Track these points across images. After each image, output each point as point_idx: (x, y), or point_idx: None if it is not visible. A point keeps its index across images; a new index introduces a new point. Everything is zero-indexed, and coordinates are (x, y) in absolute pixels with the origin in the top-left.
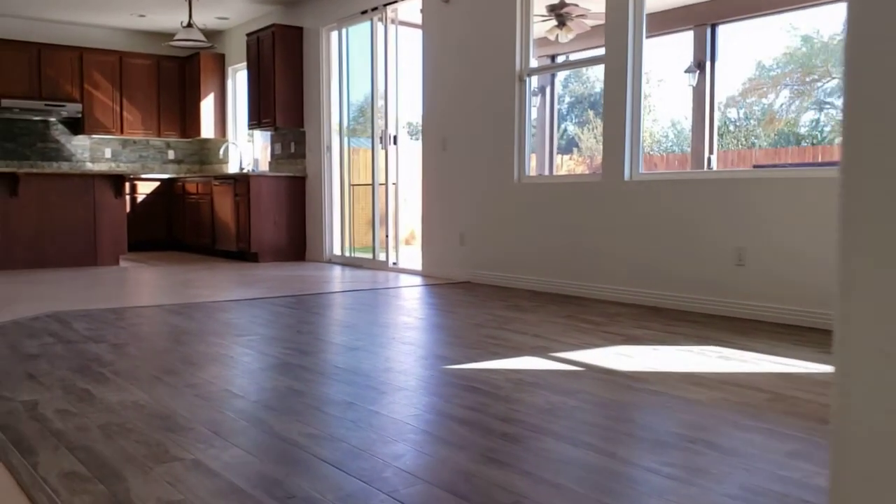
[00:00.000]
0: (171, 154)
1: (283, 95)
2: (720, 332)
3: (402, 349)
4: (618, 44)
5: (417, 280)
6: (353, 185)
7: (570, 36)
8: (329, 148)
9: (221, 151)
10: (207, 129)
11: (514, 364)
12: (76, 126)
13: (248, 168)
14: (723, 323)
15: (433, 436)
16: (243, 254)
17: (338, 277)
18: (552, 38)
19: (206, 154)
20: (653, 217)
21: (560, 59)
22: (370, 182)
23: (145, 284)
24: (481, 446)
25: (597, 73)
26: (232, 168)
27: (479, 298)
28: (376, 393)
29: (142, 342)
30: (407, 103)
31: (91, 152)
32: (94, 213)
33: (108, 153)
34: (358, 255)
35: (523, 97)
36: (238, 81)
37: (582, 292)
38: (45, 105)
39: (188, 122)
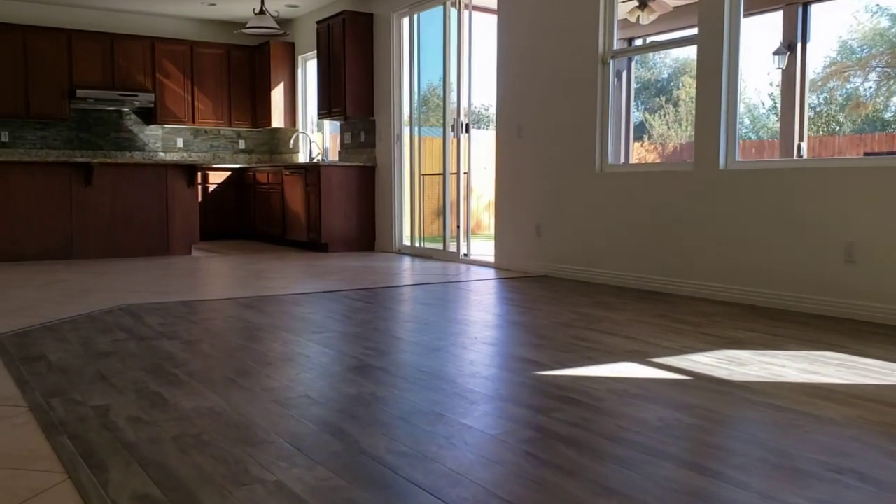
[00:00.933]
0: (241, 144)
1: (353, 84)
2: (832, 335)
3: (485, 350)
4: (713, 23)
5: (490, 273)
6: (423, 174)
7: (652, 17)
8: (399, 137)
9: (291, 141)
10: (277, 119)
11: (611, 371)
12: (148, 116)
13: (317, 158)
14: (833, 325)
15: (538, 459)
16: (313, 244)
17: (408, 269)
18: (632, 19)
19: (276, 144)
20: (750, 208)
21: (637, 43)
22: (440, 171)
23: (217, 275)
24: (594, 473)
25: (665, 58)
26: (302, 158)
27: (559, 294)
28: (466, 402)
29: (215, 339)
30: (479, 91)
31: (163, 142)
32: (167, 202)
33: (179, 143)
34: (427, 245)
35: (606, 81)
36: (308, 70)
37: (670, 289)
38: (119, 95)
39: (258, 111)
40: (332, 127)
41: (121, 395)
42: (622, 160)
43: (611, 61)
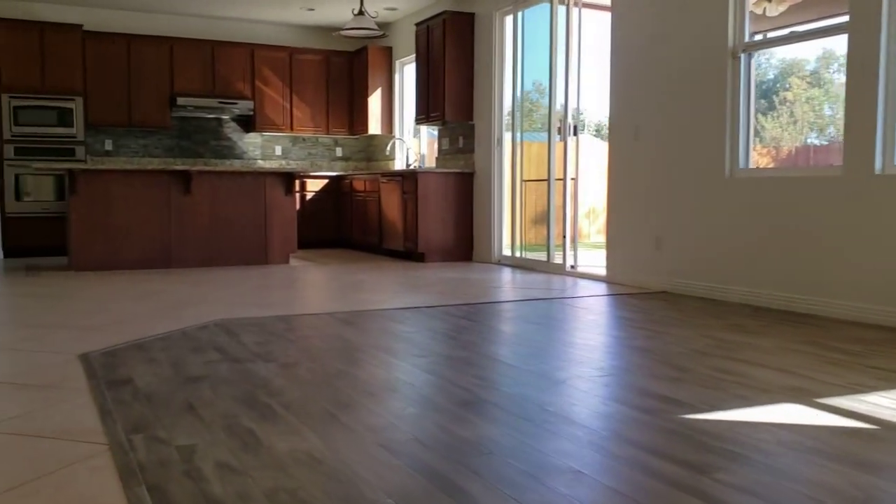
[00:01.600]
0: (338, 151)
1: (453, 87)
2: None
3: (614, 384)
4: (868, 8)
5: (601, 287)
6: (525, 180)
7: (781, 8)
8: (499, 141)
9: (388, 148)
10: (374, 126)
11: (772, 414)
12: (247, 123)
13: (414, 164)
14: None
15: None
16: (410, 253)
17: (511, 282)
18: (758, 11)
19: (372, 151)
20: None
21: (758, 38)
22: (544, 177)
23: (314, 287)
24: None
25: (771, 59)
26: (398, 165)
27: (686, 314)
28: (607, 457)
29: (313, 362)
30: (588, 92)
31: (262, 150)
32: (265, 210)
33: (278, 150)
34: (529, 256)
35: (737, 77)
36: (405, 75)
37: (815, 309)
38: (219, 103)
39: (356, 118)
40: (428, 133)
41: (209, 432)
42: (741, 164)
43: (741, 55)
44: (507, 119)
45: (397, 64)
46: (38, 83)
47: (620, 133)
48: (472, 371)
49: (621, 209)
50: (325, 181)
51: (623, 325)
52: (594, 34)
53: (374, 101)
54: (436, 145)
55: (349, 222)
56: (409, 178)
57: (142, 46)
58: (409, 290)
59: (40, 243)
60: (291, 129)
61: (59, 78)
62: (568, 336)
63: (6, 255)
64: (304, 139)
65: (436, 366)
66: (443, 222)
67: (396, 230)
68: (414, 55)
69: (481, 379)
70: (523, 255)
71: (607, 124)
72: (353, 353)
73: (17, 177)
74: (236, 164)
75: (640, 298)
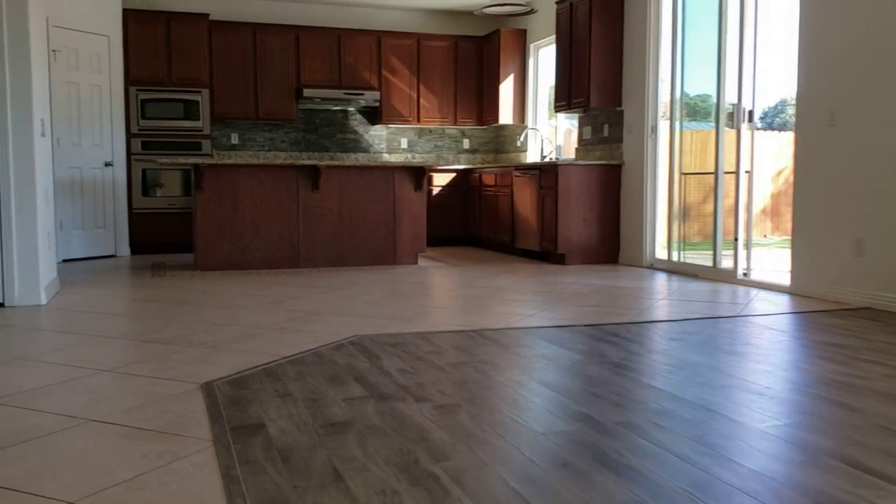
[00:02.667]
0: (465, 143)
1: (600, 70)
2: None
3: (871, 454)
4: None
5: (787, 301)
6: (685, 173)
7: None
8: (654, 129)
9: (520, 138)
10: (506, 115)
11: None
12: (373, 115)
13: (549, 156)
14: None
15: None
16: (547, 254)
17: (676, 292)
18: None
19: (501, 142)
20: None
21: None
22: (709, 170)
23: (450, 294)
24: None
25: None
26: (530, 157)
27: None
28: None
29: (473, 404)
30: (763, 73)
31: (387, 142)
32: (394, 207)
33: (403, 143)
34: (689, 260)
35: None
36: (539, 60)
37: None
38: (345, 94)
39: (485, 107)
40: (566, 121)
41: None
42: None
43: None
44: (664, 104)
45: (531, 48)
46: (165, 75)
47: (811, 119)
48: (702, 440)
49: (811, 207)
50: (452, 175)
51: (842, 356)
52: (771, 6)
53: (506, 89)
54: (574, 135)
55: (477, 219)
56: (548, 172)
57: (267, 36)
58: (556, 301)
59: (166, 239)
60: (418, 120)
61: (185, 70)
62: (795, 375)
63: (133, 252)
64: (430, 131)
65: (633, 416)
66: (585, 220)
67: (532, 228)
68: (552, 37)
69: (717, 452)
70: (682, 259)
71: (783, 111)
72: (520, 392)
73: (143, 172)
74: (361, 159)
75: (840, 317)
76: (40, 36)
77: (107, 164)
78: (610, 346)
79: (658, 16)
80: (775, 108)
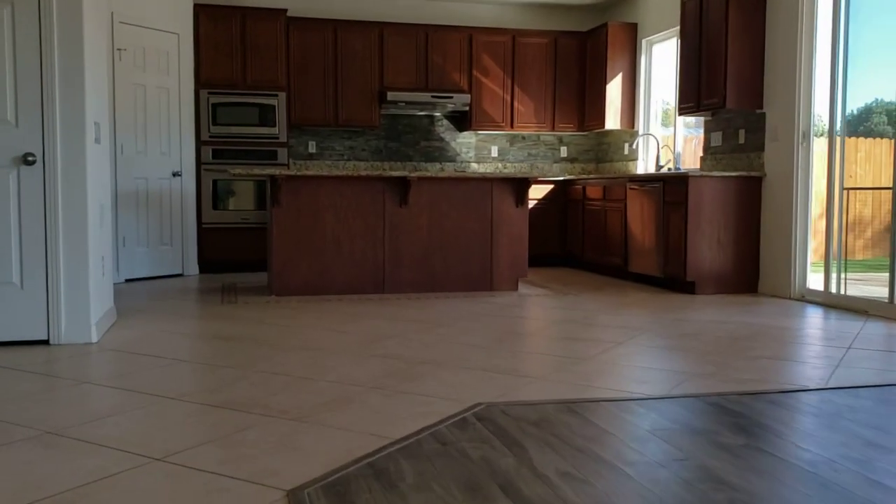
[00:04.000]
0: (563, 151)
1: (738, 67)
2: None
3: None
4: None
5: None
6: (848, 188)
7: None
8: (806, 136)
9: (629, 145)
10: (613, 119)
11: None
12: (461, 121)
13: (667, 166)
14: None
15: None
16: (671, 281)
17: (855, 335)
18: None
19: (603, 150)
20: None
21: None
22: (884, 185)
23: (571, 334)
24: None
25: None
26: (640, 166)
27: None
28: None
29: None
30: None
31: (476, 151)
32: (492, 225)
33: (493, 151)
34: (852, 292)
35: None
36: (653, 57)
37: None
38: (432, 97)
39: (588, 111)
40: (687, 127)
41: None
42: None
43: None
44: (823, 106)
45: (643, 43)
46: (239, 77)
47: None
48: None
49: None
50: (549, 187)
51: None
52: None
53: (614, 90)
54: (696, 142)
55: (579, 237)
56: (674, 184)
57: (349, 33)
58: (720, 349)
59: (238, 257)
60: (511, 126)
61: (261, 71)
62: None
63: (202, 270)
64: (523, 137)
65: None
66: (720, 242)
67: (651, 251)
68: (669, 31)
69: None
70: (843, 292)
71: None
72: None
73: (214, 183)
74: (448, 169)
75: None
76: (99, 31)
77: (175, 175)
78: (814, 419)
79: (813, 5)
80: None
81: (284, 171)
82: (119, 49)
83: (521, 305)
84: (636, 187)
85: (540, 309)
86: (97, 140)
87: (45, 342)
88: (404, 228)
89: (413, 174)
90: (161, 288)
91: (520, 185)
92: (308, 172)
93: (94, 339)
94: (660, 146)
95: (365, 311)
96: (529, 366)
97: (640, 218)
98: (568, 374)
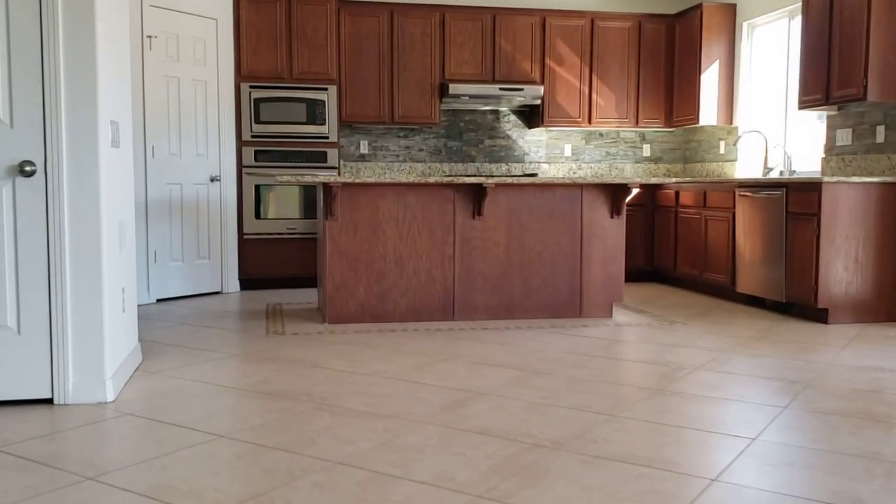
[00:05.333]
0: (645, 150)
1: (882, 53)
2: None
3: None
4: None
5: None
6: None
7: None
8: None
9: (726, 143)
10: (708, 114)
11: None
12: (530, 116)
13: (776, 169)
14: None
15: None
16: (795, 306)
17: None
18: None
19: (692, 148)
20: None
21: None
22: None
23: (705, 389)
24: None
25: None
26: (742, 168)
27: None
28: None
29: None
30: None
31: (547, 150)
32: (582, 239)
33: (567, 150)
34: None
35: None
36: (755, 42)
37: None
38: (500, 90)
39: (677, 104)
40: (804, 124)
41: None
42: None
43: None
44: None
45: (744, 27)
46: (285, 69)
47: None
48: None
49: None
50: (635, 192)
51: None
52: None
53: (709, 81)
54: (816, 141)
55: (670, 249)
56: (801, 192)
57: (407, 18)
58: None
59: (283, 271)
60: (589, 121)
61: (309, 62)
62: None
63: (243, 287)
64: (600, 134)
65: None
66: (857, 262)
67: (768, 269)
68: (778, 11)
69: None
70: None
71: None
72: None
73: (257, 189)
74: (515, 171)
75: None
76: (120, 13)
77: (213, 180)
78: None
79: None
80: None
81: (339, 178)
82: (149, 36)
83: (625, 340)
84: (748, 193)
85: (651, 346)
86: (115, 143)
87: (49, 401)
88: (478, 244)
89: (490, 181)
90: (197, 311)
91: (616, 192)
92: (367, 179)
93: (110, 397)
94: (768, 145)
95: (437, 348)
96: (695, 456)
97: (753, 230)
98: (748, 469)
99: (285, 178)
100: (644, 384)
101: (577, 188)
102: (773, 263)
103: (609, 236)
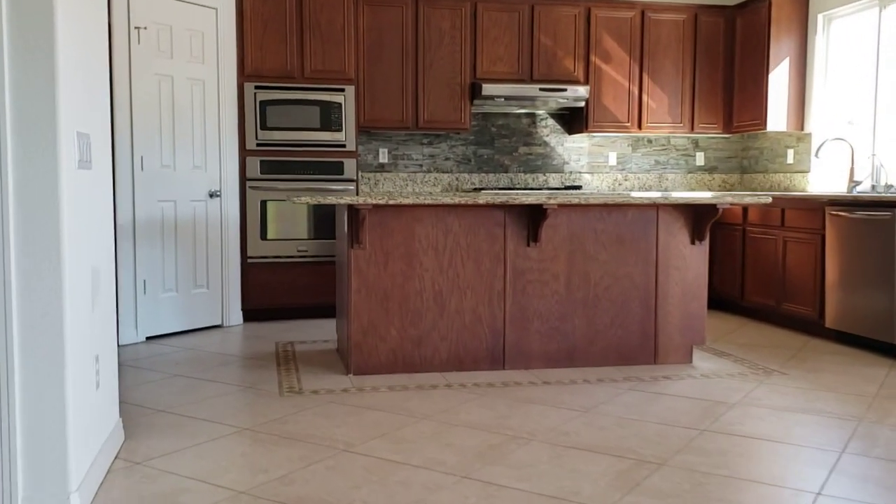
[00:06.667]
0: (698, 158)
1: None
2: None
3: None
4: None
5: None
6: None
7: None
8: None
9: (794, 153)
10: (777, 118)
11: None
12: (572, 120)
13: (866, 183)
14: None
15: None
16: None
17: None
18: None
19: (753, 157)
20: None
21: None
22: None
23: (862, 495)
24: None
25: None
26: (816, 181)
27: None
28: None
29: None
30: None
31: (589, 158)
32: (657, 270)
33: (611, 159)
34: None
35: None
36: (831, 36)
37: None
38: (540, 90)
39: (738, 106)
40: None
41: None
42: None
43: None
44: None
45: (819, 19)
46: (296, 67)
47: None
48: None
49: None
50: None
51: None
52: None
53: (778, 80)
54: None
55: (736, 273)
56: None
57: (434, 8)
58: None
59: (294, 300)
60: (639, 126)
61: (323, 58)
62: None
63: (247, 318)
64: (648, 141)
65: None
66: None
67: (871, 304)
68: (866, 1)
69: None
70: None
71: None
72: None
73: (263, 205)
74: (553, 182)
75: None
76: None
77: (212, 195)
78: None
79: None
80: None
81: (369, 199)
82: (137, 27)
83: (726, 401)
84: (843, 213)
85: (764, 413)
86: (84, 164)
87: None
88: (533, 277)
89: (552, 200)
90: (194, 354)
91: (699, 214)
92: (402, 200)
93: None
94: (854, 155)
95: (499, 418)
96: None
97: (851, 256)
98: None
99: (303, 200)
100: (794, 483)
101: (652, 208)
102: (881, 297)
103: (689, 266)
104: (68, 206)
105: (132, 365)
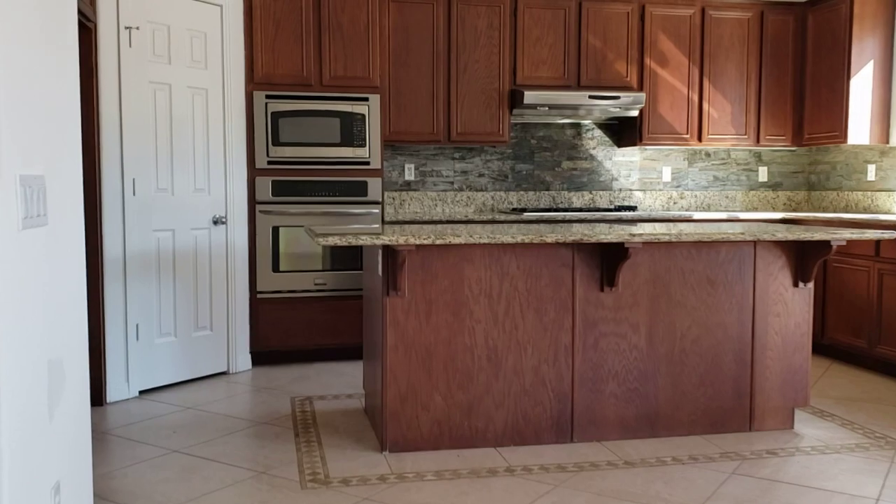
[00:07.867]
0: (761, 173)
1: None
2: None
3: None
4: None
5: None
6: None
7: None
8: None
9: (876, 169)
10: (859, 129)
11: None
12: (622, 132)
13: None
14: None
15: None
16: None
17: None
18: None
19: (822, 172)
20: None
21: None
22: None
23: None
24: None
25: None
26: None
27: None
28: None
29: None
30: None
31: (640, 174)
32: (754, 318)
33: (665, 175)
34: None
35: None
36: None
37: None
38: (590, 97)
39: (811, 116)
40: None
41: None
42: None
43: None
44: None
45: None
46: (313, 73)
47: None
48: None
49: None
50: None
51: None
52: None
53: (860, 87)
54: None
55: (816, 307)
56: None
57: (468, 7)
58: None
59: (310, 340)
60: (699, 138)
61: (344, 63)
62: None
63: (256, 362)
64: (706, 154)
65: None
66: None
67: None
68: None
69: None
70: None
71: None
72: None
73: (275, 232)
74: (601, 201)
75: None
76: None
77: (216, 222)
78: None
79: None
80: None
81: (411, 238)
82: (128, 27)
83: (853, 490)
84: None
85: None
86: (31, 220)
87: None
88: (608, 329)
89: (635, 238)
90: (195, 415)
91: (805, 251)
92: (451, 239)
93: None
94: None
95: None
96: None
97: None
98: None
99: (330, 241)
100: None
101: (748, 245)
102: None
103: (791, 312)
104: (7, 283)
105: (120, 435)
